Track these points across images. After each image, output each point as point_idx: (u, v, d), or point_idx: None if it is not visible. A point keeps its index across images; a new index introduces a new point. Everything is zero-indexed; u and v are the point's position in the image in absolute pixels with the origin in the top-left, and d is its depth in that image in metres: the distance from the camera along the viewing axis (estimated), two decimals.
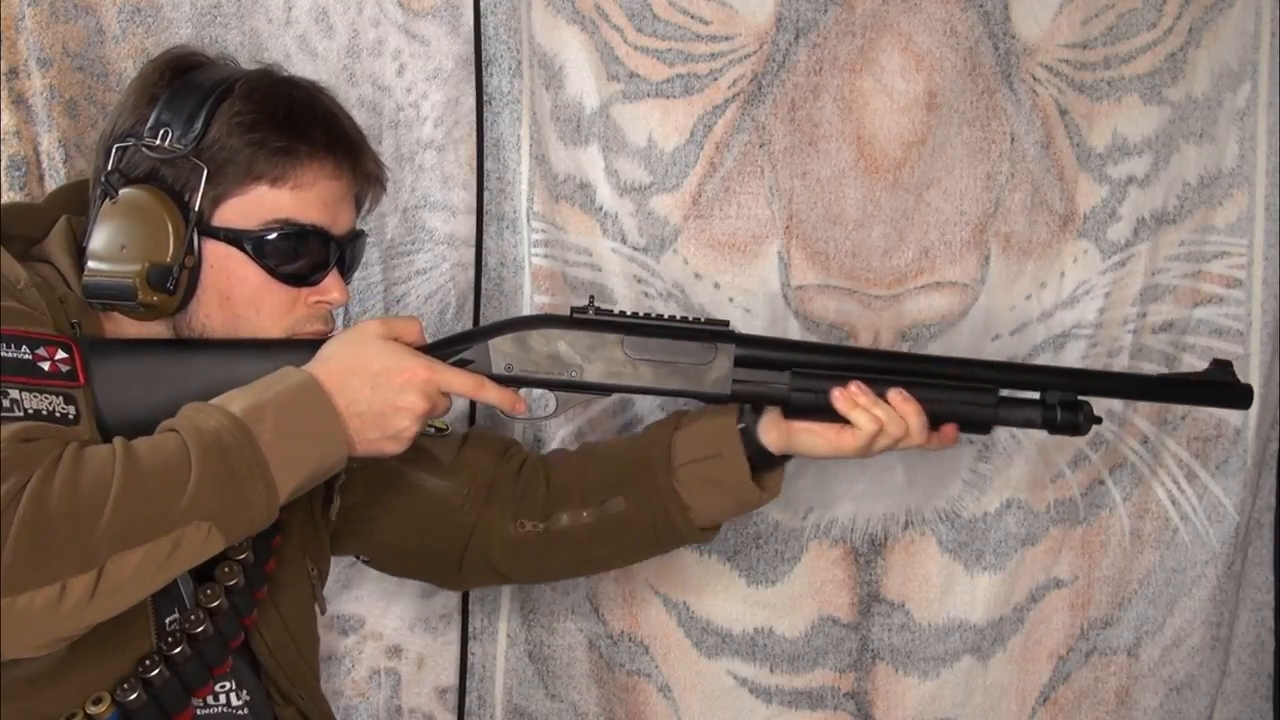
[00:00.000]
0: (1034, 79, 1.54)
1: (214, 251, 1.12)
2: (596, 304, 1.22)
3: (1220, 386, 1.26)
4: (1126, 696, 1.64)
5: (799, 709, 1.62)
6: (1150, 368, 1.59)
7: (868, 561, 1.61)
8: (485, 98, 1.54)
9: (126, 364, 1.10)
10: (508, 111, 1.54)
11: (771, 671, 1.61)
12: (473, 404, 1.57)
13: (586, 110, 1.53)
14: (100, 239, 1.10)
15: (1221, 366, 1.27)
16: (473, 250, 1.56)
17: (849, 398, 1.20)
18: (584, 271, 1.55)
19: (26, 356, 1.01)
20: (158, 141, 1.10)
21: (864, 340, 1.55)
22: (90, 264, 1.10)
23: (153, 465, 0.97)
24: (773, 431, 1.25)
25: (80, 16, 1.47)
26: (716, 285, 1.55)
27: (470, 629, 1.62)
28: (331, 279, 1.17)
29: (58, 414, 1.01)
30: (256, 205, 1.12)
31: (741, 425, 1.25)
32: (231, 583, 1.13)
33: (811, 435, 1.24)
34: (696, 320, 1.23)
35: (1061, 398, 1.23)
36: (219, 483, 0.98)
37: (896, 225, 1.55)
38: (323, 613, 1.30)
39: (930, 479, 1.59)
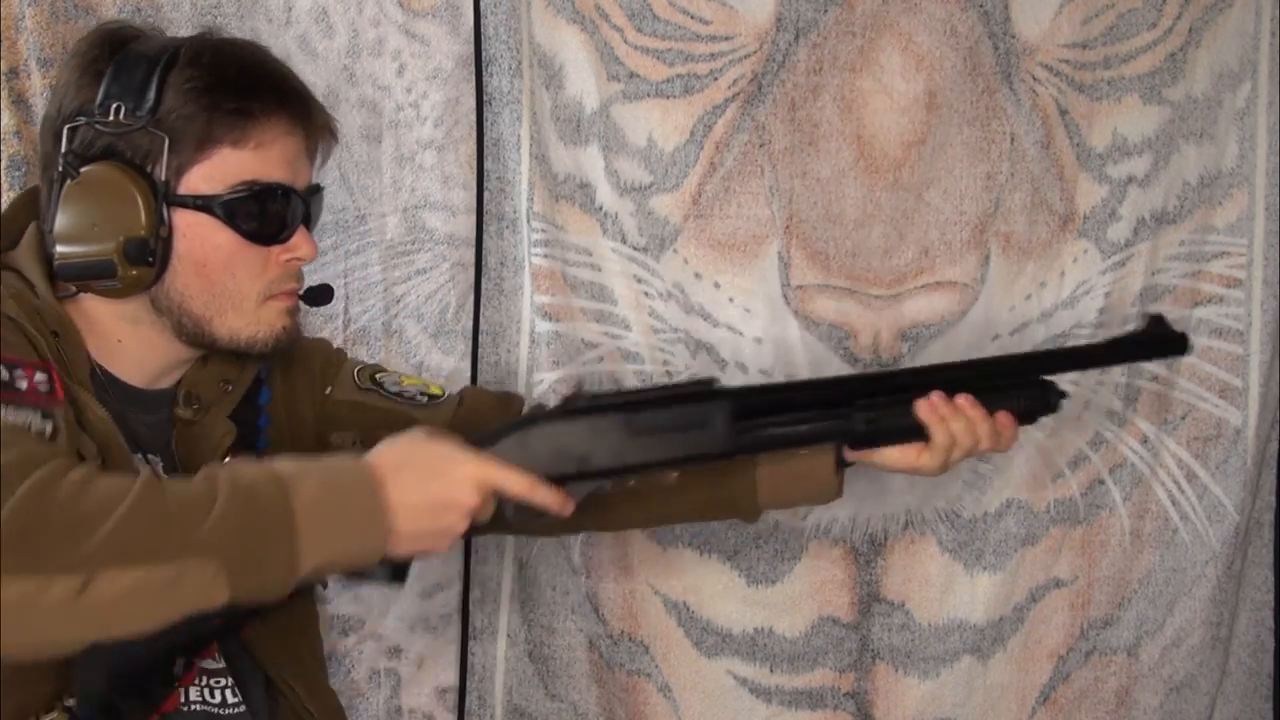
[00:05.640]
0: (1034, 79, 1.54)
1: (184, 220, 1.10)
2: (585, 387, 1.23)
3: (1160, 339, 1.28)
4: (1126, 696, 1.64)
5: (799, 709, 1.62)
6: (1150, 367, 1.59)
7: (868, 561, 1.61)
8: (485, 98, 1.54)
9: None
10: (508, 111, 1.54)
11: (771, 671, 1.61)
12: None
13: (586, 110, 1.53)
14: (67, 220, 1.08)
15: (1156, 321, 1.29)
16: (473, 250, 1.56)
17: (934, 408, 1.20)
18: (584, 271, 1.55)
19: (4, 377, 1.00)
20: (110, 117, 1.08)
21: (864, 341, 1.55)
22: (61, 248, 1.08)
23: (175, 491, 0.94)
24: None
25: (80, 16, 1.47)
26: (716, 285, 1.55)
27: (470, 629, 1.62)
28: (300, 235, 1.16)
29: (34, 430, 0.99)
30: (221, 169, 1.10)
31: None
32: None
33: (892, 451, 1.25)
34: (683, 384, 1.21)
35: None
36: (240, 529, 0.94)
37: (896, 225, 1.55)
38: (324, 595, 1.28)
39: (930, 479, 1.59)
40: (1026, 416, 1.25)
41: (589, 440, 1.17)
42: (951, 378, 1.24)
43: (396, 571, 1.12)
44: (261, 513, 0.95)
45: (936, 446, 1.22)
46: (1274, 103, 1.58)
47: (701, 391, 1.20)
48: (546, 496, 1.14)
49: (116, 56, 1.11)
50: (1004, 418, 1.23)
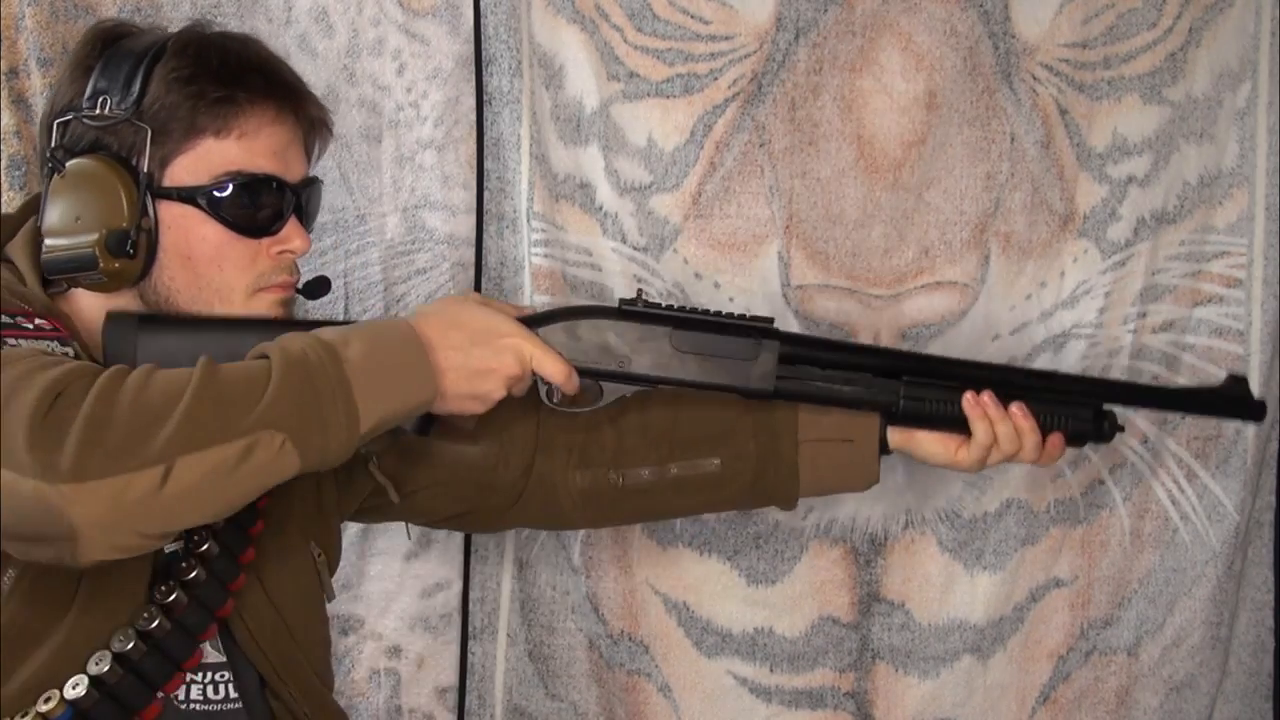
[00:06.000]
0: (1034, 79, 1.54)
1: (169, 212, 1.10)
2: (644, 297, 1.25)
3: (1238, 401, 1.32)
4: (1126, 696, 1.64)
5: (799, 709, 1.62)
6: (1150, 367, 1.59)
7: (868, 561, 1.61)
8: (485, 97, 1.54)
9: (178, 340, 1.10)
10: (508, 111, 1.54)
11: (771, 671, 1.61)
12: None
13: (586, 110, 1.53)
14: (54, 214, 1.09)
15: (1237, 382, 1.32)
16: (473, 250, 1.56)
17: (981, 406, 1.23)
18: (584, 271, 1.55)
19: (8, 321, 1.03)
20: (97, 110, 1.09)
21: (864, 340, 1.55)
22: (48, 241, 1.09)
23: (232, 376, 0.98)
24: (896, 431, 1.29)
25: (80, 16, 1.47)
26: (716, 285, 1.55)
27: (470, 629, 1.62)
28: (291, 227, 1.15)
29: (57, 355, 1.02)
30: (205, 160, 1.10)
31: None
32: (189, 577, 1.09)
33: (932, 443, 1.28)
34: (741, 316, 1.26)
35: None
36: (298, 395, 0.98)
37: (896, 225, 1.55)
38: (329, 599, 1.28)
39: (930, 479, 1.59)
40: (1075, 439, 1.26)
41: (635, 344, 1.22)
42: (1010, 380, 1.26)
43: (423, 424, 1.16)
44: (314, 376, 0.99)
45: (976, 444, 1.24)
46: (1274, 103, 1.58)
47: (756, 327, 1.24)
48: (574, 388, 1.19)
49: (107, 52, 1.11)
50: (1055, 439, 1.25)
